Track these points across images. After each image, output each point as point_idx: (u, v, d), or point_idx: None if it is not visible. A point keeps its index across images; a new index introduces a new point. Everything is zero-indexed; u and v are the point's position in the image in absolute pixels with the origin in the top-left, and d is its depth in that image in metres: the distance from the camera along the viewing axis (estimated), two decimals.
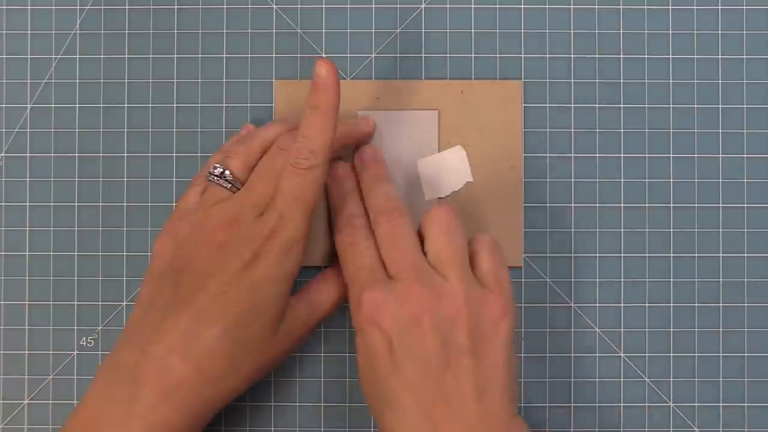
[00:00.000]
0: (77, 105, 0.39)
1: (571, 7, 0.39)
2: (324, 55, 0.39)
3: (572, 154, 0.39)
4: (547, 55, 0.39)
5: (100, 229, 0.39)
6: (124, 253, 0.39)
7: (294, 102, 0.38)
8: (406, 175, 0.38)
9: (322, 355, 0.38)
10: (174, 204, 0.39)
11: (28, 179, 0.39)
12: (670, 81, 0.39)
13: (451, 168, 0.38)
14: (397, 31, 0.39)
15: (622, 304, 0.38)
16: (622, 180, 0.39)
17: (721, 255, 0.38)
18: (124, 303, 0.38)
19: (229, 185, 0.34)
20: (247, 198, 0.33)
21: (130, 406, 0.30)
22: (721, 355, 0.38)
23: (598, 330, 0.38)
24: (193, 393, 0.30)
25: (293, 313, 0.34)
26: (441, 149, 0.38)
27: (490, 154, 0.38)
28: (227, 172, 0.34)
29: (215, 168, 0.34)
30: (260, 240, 0.32)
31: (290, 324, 0.34)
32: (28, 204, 0.39)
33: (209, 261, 0.32)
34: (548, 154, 0.39)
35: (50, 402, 0.38)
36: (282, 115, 0.38)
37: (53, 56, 0.39)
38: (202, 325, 0.31)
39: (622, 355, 0.38)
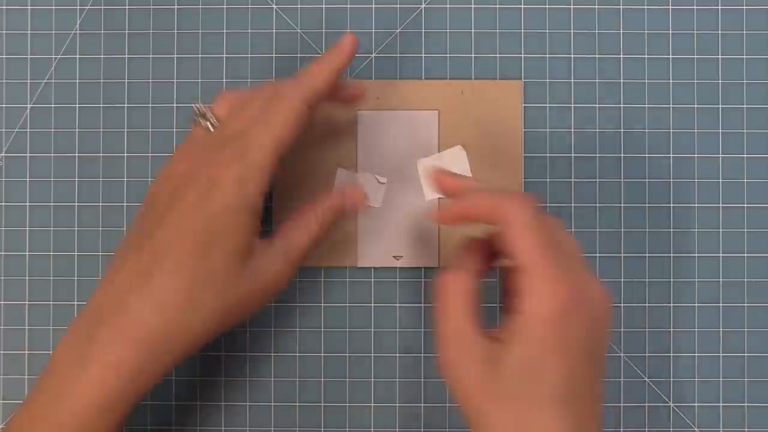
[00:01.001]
0: (77, 105, 0.39)
1: (571, 7, 0.39)
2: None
3: (572, 154, 0.39)
4: (547, 55, 0.39)
5: (100, 229, 0.39)
6: None
7: None
8: (406, 174, 0.38)
9: (323, 355, 0.38)
10: None
11: (28, 179, 0.39)
12: (670, 81, 0.39)
13: (451, 168, 0.38)
14: (397, 31, 0.39)
15: (622, 304, 0.38)
16: (622, 180, 0.39)
17: (721, 255, 0.38)
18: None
19: (211, 126, 0.33)
20: (218, 132, 0.32)
21: (89, 346, 0.29)
22: (721, 355, 0.38)
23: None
24: (152, 333, 0.29)
25: (265, 251, 0.32)
26: (441, 149, 0.38)
27: (490, 154, 0.38)
28: (209, 113, 0.33)
29: (198, 108, 0.33)
30: (218, 168, 0.30)
31: (261, 262, 0.31)
32: (28, 204, 0.39)
33: (170, 195, 0.31)
34: (548, 154, 0.39)
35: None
36: None
37: (53, 56, 0.39)
38: (158, 260, 0.30)
39: (622, 355, 0.38)
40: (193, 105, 0.34)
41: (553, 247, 0.28)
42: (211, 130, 0.33)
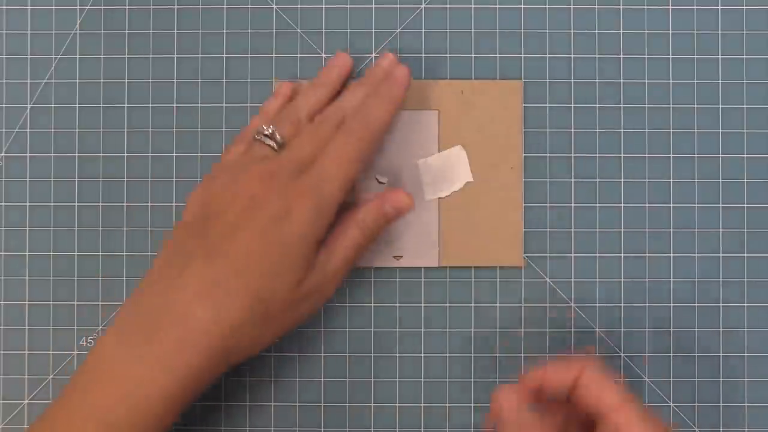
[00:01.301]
0: (77, 105, 0.39)
1: (571, 7, 0.39)
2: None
3: (572, 154, 0.39)
4: (547, 55, 0.39)
5: (100, 229, 0.39)
6: (124, 253, 0.39)
7: None
8: (407, 174, 0.38)
9: (323, 355, 0.38)
10: (174, 204, 0.39)
11: (28, 179, 0.39)
12: (670, 81, 0.39)
13: (451, 168, 0.38)
14: (397, 31, 0.39)
15: (622, 304, 0.38)
16: (622, 180, 0.39)
17: (721, 255, 0.38)
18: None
19: (277, 146, 0.34)
20: (288, 156, 0.33)
21: (148, 348, 0.30)
22: (721, 355, 0.38)
23: (598, 330, 0.38)
24: (212, 342, 0.30)
25: (317, 273, 0.33)
26: (441, 149, 0.38)
27: (490, 154, 0.38)
28: (278, 135, 0.34)
29: (265, 128, 0.34)
30: (294, 197, 0.32)
31: (314, 283, 0.33)
32: (28, 204, 0.39)
33: (241, 213, 0.32)
34: (548, 154, 0.39)
35: (50, 402, 0.38)
36: None
37: (53, 56, 0.39)
38: (227, 276, 0.31)
39: (622, 354, 0.38)
40: (258, 127, 0.35)
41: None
42: (276, 149, 0.34)
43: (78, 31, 0.39)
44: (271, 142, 0.34)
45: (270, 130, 0.34)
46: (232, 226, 0.31)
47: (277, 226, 0.31)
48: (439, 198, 0.38)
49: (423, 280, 0.38)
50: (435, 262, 0.38)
